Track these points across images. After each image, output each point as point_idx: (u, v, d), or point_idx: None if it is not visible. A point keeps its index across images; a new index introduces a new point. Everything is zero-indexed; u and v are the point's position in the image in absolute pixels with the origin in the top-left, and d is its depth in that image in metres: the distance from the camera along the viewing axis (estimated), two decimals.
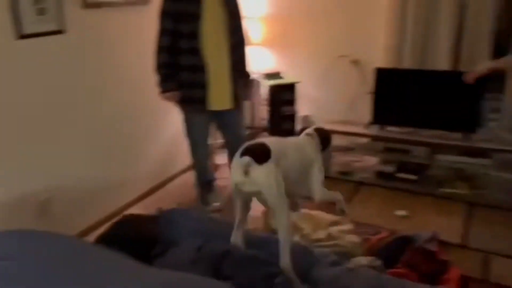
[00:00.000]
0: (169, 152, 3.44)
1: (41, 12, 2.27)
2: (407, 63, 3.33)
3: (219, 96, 2.71)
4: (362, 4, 3.53)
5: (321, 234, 2.27)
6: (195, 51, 2.58)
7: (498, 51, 3.16)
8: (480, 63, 2.04)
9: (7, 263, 1.07)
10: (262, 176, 1.62)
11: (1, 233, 1.28)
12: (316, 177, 1.94)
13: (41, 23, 2.28)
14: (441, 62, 3.22)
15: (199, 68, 2.61)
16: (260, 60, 4.02)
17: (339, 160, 3.51)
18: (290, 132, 3.82)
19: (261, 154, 1.67)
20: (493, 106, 3.50)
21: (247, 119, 4.22)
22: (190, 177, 3.30)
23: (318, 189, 1.94)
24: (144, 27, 2.86)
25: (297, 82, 3.77)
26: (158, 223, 1.84)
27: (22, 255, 1.08)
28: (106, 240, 1.51)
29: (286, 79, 3.80)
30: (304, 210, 2.43)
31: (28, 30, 2.21)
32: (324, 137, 2.07)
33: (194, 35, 2.55)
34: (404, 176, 3.26)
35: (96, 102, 2.73)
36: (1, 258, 1.10)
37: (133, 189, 3.14)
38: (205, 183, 3.05)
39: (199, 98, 2.67)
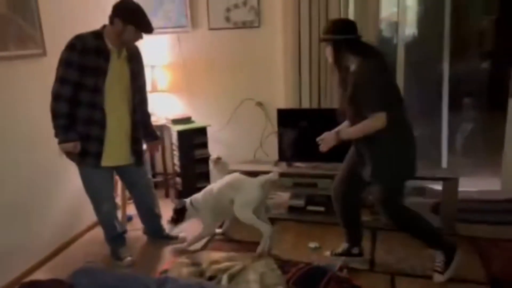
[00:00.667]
0: (75, 208, 3.25)
1: None
2: (305, 103, 3.58)
3: (117, 152, 2.70)
4: (261, 50, 3.76)
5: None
6: (95, 105, 2.55)
7: None
8: (326, 134, 2.46)
9: None
10: None
11: None
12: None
13: None
14: (334, 100, 3.52)
15: (97, 122, 2.58)
16: (168, 107, 4.05)
17: None
18: (204, 174, 3.85)
19: None
20: None
21: (159, 166, 4.18)
22: (99, 232, 3.15)
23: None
24: (40, 79, 2.76)
25: (208, 126, 3.84)
26: (64, 286, 1.73)
27: None
28: None
29: (196, 124, 3.86)
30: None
31: None
32: None
33: (97, 90, 2.53)
34: (313, 209, 3.43)
35: None
36: None
37: (37, 252, 2.90)
38: (115, 237, 2.94)
39: (93, 152, 2.61)
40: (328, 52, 2.42)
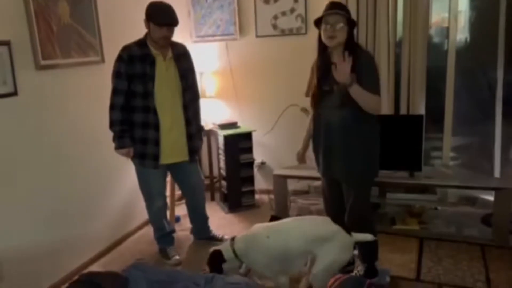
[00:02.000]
0: (127, 207, 3.42)
1: None
2: None
3: (172, 150, 2.81)
4: (308, 59, 3.76)
5: None
6: (148, 109, 2.70)
7: (433, 90, 3.50)
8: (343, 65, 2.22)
9: None
10: None
11: None
12: None
13: None
14: (384, 107, 3.48)
15: (152, 125, 2.72)
16: (216, 112, 4.16)
17: (297, 203, 3.60)
18: (249, 178, 3.91)
19: None
20: (435, 144, 3.78)
21: (205, 169, 4.29)
22: (149, 231, 3.29)
23: None
24: (99, 85, 2.93)
25: (253, 131, 3.91)
26: (119, 279, 1.84)
27: None
28: None
29: (242, 129, 3.94)
30: None
31: None
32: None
33: (147, 94, 2.67)
34: None
35: (53, 161, 2.73)
36: None
37: (92, 247, 3.08)
38: (164, 236, 3.06)
39: (151, 154, 2.76)
40: (340, 30, 2.24)
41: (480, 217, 3.27)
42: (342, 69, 2.19)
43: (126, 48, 2.67)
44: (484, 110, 3.73)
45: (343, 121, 2.32)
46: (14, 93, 2.43)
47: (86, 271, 2.83)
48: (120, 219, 3.37)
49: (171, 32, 2.67)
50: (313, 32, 3.75)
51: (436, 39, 3.90)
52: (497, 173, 3.65)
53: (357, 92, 2.21)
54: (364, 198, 2.45)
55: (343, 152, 2.36)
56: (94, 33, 3.00)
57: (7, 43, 2.37)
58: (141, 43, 2.69)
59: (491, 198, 3.09)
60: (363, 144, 2.36)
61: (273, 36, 3.82)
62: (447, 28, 3.53)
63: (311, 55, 3.76)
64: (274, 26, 3.80)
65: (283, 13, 3.75)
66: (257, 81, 4.00)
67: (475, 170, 3.70)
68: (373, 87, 2.23)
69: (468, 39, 4.03)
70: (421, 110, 3.44)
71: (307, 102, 3.88)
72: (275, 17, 3.78)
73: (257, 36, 3.88)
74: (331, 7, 2.29)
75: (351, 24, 2.30)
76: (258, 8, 3.82)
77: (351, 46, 2.28)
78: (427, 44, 3.42)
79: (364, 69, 2.23)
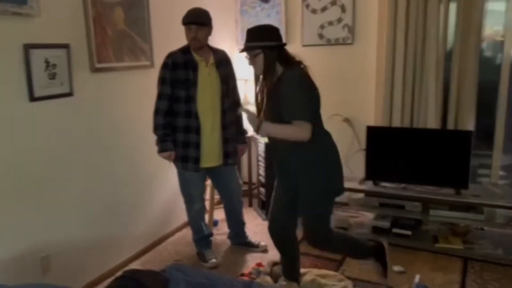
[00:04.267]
0: (167, 209, 3.50)
1: (52, 76, 2.44)
2: (396, 122, 3.51)
3: (210, 154, 2.87)
4: (352, 66, 3.76)
5: None
6: (191, 114, 2.78)
7: (483, 105, 3.38)
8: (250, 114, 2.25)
9: None
10: None
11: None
12: None
13: (52, 87, 2.44)
14: (430, 121, 3.39)
15: (193, 129, 2.80)
16: None
17: (336, 215, 3.56)
18: None
19: None
20: (483, 162, 3.63)
21: (244, 175, 4.32)
22: (187, 233, 3.35)
23: None
24: (147, 89, 3.03)
25: None
26: (159, 278, 1.88)
27: None
28: None
29: None
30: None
31: (39, 93, 2.36)
32: None
33: (190, 100, 2.75)
34: (399, 232, 3.30)
35: (101, 161, 2.84)
36: None
37: (132, 246, 3.17)
38: (202, 238, 3.10)
39: (192, 157, 2.83)
40: (257, 61, 2.23)
41: None
42: (250, 120, 2.21)
43: (170, 55, 2.77)
44: None
45: (279, 153, 2.37)
46: (70, 94, 2.56)
47: (126, 268, 2.92)
48: (160, 220, 3.45)
49: (201, 35, 2.71)
50: (359, 42, 3.75)
51: (488, 53, 3.76)
52: None
53: (272, 131, 2.20)
54: (314, 222, 2.37)
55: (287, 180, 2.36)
56: (145, 39, 3.11)
57: (66, 46, 2.50)
58: (184, 50, 2.78)
59: None
60: (303, 173, 2.27)
61: (319, 45, 3.81)
62: (501, 42, 3.40)
63: (357, 65, 3.76)
64: (321, 36, 3.79)
65: (330, 23, 3.74)
66: None
67: None
68: (293, 114, 2.12)
69: None
70: (470, 126, 3.31)
71: (350, 112, 3.88)
72: (322, 27, 3.77)
73: (303, 45, 3.88)
74: (246, 36, 2.26)
75: (268, 50, 2.20)
76: (305, 17, 3.83)
77: (269, 74, 2.23)
78: (479, 57, 3.30)
79: (283, 97, 2.15)
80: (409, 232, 3.27)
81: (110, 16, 2.79)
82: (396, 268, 2.88)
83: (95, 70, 2.71)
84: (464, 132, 3.19)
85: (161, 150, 2.82)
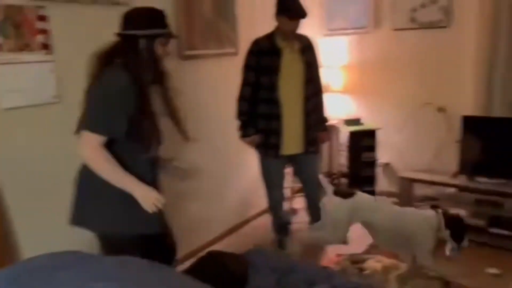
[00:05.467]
0: (248, 193, 3.55)
1: None
2: (497, 111, 3.19)
3: (291, 141, 2.83)
4: (447, 51, 3.48)
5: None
6: (272, 101, 2.76)
7: None
8: None
9: (110, 284, 1.20)
10: None
11: (103, 258, 1.43)
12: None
13: None
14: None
15: (275, 116, 2.78)
16: (340, 107, 4.08)
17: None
18: (370, 178, 3.76)
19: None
20: None
21: (325, 165, 4.25)
22: (267, 219, 3.37)
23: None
24: (232, 75, 3.07)
25: (378, 129, 3.74)
26: (242, 260, 1.91)
27: (123, 277, 1.20)
28: (192, 274, 1.59)
29: (366, 126, 3.80)
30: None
31: None
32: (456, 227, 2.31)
33: (272, 87, 2.74)
34: (497, 231, 3.01)
35: (184, 147, 2.95)
36: (105, 279, 1.23)
37: (215, 228, 3.27)
38: (281, 226, 3.10)
39: (274, 144, 2.82)
40: None
41: None
42: None
43: (256, 42, 2.76)
44: None
45: None
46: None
47: (208, 250, 3.02)
48: (241, 205, 3.51)
49: (298, 25, 2.69)
50: (456, 25, 3.46)
51: None
52: None
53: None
54: None
55: None
56: (232, 27, 3.15)
57: None
58: (269, 36, 2.75)
59: None
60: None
61: (410, 29, 3.58)
62: None
63: (451, 49, 3.48)
64: (412, 19, 3.56)
65: (423, 5, 3.49)
66: (389, 76, 3.80)
67: None
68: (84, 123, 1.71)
69: None
70: None
71: (445, 101, 3.61)
72: (414, 10, 3.53)
73: (394, 29, 3.68)
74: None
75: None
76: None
77: None
78: None
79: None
80: (508, 232, 2.97)
81: (198, 5, 2.86)
82: (491, 270, 2.65)
83: (184, 57, 2.81)
84: None
85: (244, 135, 2.85)
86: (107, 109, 1.65)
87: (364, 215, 2.44)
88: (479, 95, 3.27)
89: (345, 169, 3.87)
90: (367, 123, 3.85)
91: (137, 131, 1.70)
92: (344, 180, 3.88)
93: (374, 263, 2.48)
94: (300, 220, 3.49)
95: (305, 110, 2.85)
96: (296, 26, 2.69)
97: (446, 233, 2.30)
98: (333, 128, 4.03)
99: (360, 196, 2.48)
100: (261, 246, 3.08)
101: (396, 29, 3.67)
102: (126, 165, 1.69)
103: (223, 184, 3.32)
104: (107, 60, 1.69)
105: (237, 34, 3.21)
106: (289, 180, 3.56)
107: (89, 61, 1.69)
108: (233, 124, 2.87)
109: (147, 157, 1.76)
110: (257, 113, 2.83)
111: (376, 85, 3.88)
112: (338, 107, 4.08)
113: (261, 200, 3.23)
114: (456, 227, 2.31)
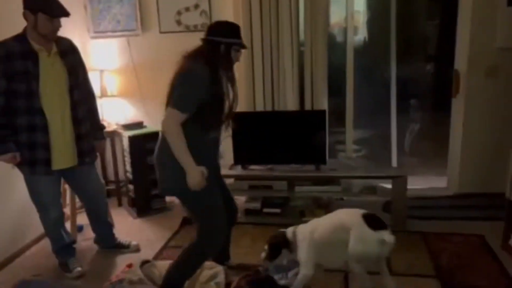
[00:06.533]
0: (18, 221, 3.08)
1: None
2: (260, 107, 3.61)
3: (63, 154, 2.59)
4: None
5: None
6: (34, 111, 2.45)
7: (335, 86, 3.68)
8: None
9: None
10: None
11: None
12: None
13: None
14: (289, 104, 3.56)
15: (39, 128, 2.48)
16: (119, 112, 3.94)
17: None
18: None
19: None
20: (339, 138, 3.97)
21: (111, 173, 4.05)
22: (47, 244, 3.00)
23: None
24: None
25: (160, 131, 3.75)
26: None
27: None
28: None
29: (148, 129, 3.77)
30: None
31: None
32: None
33: (31, 94, 2.42)
34: (269, 211, 3.44)
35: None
36: None
37: None
38: (63, 247, 2.81)
39: (42, 159, 2.52)
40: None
41: (382, 204, 3.47)
42: None
43: (1, 45, 2.38)
44: (381, 105, 3.99)
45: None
46: None
47: None
48: (11, 234, 3.03)
49: (60, 24, 2.46)
50: None
51: (338, 39, 4.09)
52: (394, 162, 3.93)
53: None
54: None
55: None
56: None
57: None
58: (20, 38, 2.41)
59: (390, 186, 3.31)
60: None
61: (177, 32, 3.70)
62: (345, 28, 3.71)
63: None
64: (178, 22, 3.69)
65: (187, 9, 3.65)
66: (163, 78, 3.83)
67: (376, 161, 3.94)
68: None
69: (366, 38, 4.30)
70: (324, 106, 3.56)
71: None
72: (179, 13, 3.67)
73: (161, 32, 3.73)
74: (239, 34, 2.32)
75: None
76: (161, 2, 3.67)
77: None
78: (329, 43, 3.55)
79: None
80: (278, 210, 3.43)
81: None
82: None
83: None
84: (319, 112, 3.42)
85: (2, 153, 2.44)
86: (189, 92, 2.06)
87: None
88: (243, 93, 3.61)
89: (131, 175, 3.76)
90: (150, 127, 3.82)
91: (204, 115, 2.08)
92: (131, 187, 3.77)
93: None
94: (87, 237, 3.24)
95: (75, 118, 2.62)
96: (58, 26, 2.43)
97: None
98: (115, 134, 3.86)
99: None
100: (39, 275, 2.74)
101: (163, 32, 3.74)
102: (189, 144, 2.03)
103: None
104: (193, 57, 2.14)
105: None
106: (68, 196, 3.26)
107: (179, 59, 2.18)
108: None
109: (209, 138, 2.19)
110: (16, 126, 2.45)
111: (150, 87, 3.87)
112: (116, 112, 3.93)
113: (37, 224, 2.84)
114: None
